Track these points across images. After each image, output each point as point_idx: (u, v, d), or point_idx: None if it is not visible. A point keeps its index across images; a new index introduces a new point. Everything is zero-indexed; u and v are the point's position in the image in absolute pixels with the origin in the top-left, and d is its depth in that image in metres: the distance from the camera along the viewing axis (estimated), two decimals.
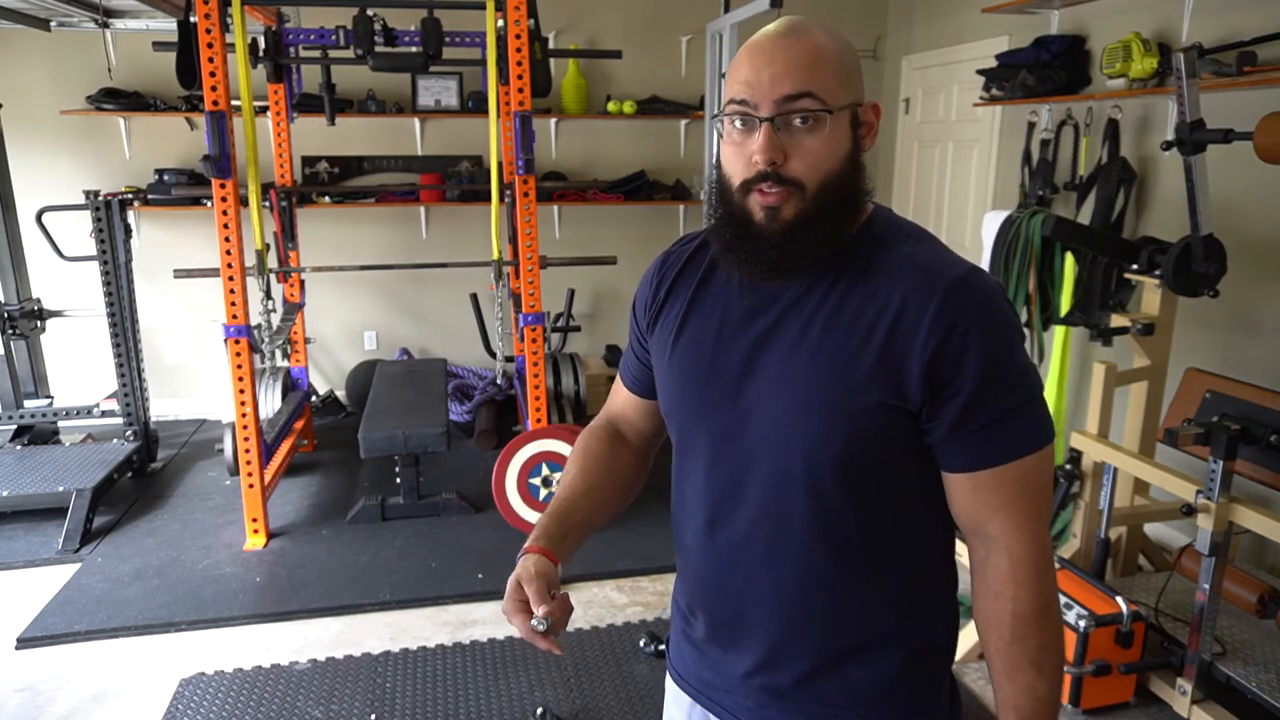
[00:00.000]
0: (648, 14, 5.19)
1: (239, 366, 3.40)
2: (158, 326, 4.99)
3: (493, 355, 4.80)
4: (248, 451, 3.45)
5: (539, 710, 2.52)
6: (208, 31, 3.15)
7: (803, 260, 0.97)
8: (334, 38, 3.69)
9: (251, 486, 3.47)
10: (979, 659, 2.69)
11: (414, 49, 3.62)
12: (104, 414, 4.23)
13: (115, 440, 4.17)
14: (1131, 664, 2.46)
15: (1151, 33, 3.43)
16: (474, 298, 4.99)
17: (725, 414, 1.03)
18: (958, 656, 2.57)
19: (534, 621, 0.96)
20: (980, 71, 4.17)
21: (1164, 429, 2.54)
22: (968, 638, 2.66)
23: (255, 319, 3.59)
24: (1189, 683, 2.36)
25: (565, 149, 5.29)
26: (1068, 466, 2.78)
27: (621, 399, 1.26)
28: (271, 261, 3.95)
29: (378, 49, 3.59)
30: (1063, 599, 2.54)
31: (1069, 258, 2.80)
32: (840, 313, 0.97)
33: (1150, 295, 2.79)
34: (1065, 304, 2.84)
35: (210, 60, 3.17)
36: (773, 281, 1.00)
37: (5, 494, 3.56)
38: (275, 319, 3.79)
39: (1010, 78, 3.90)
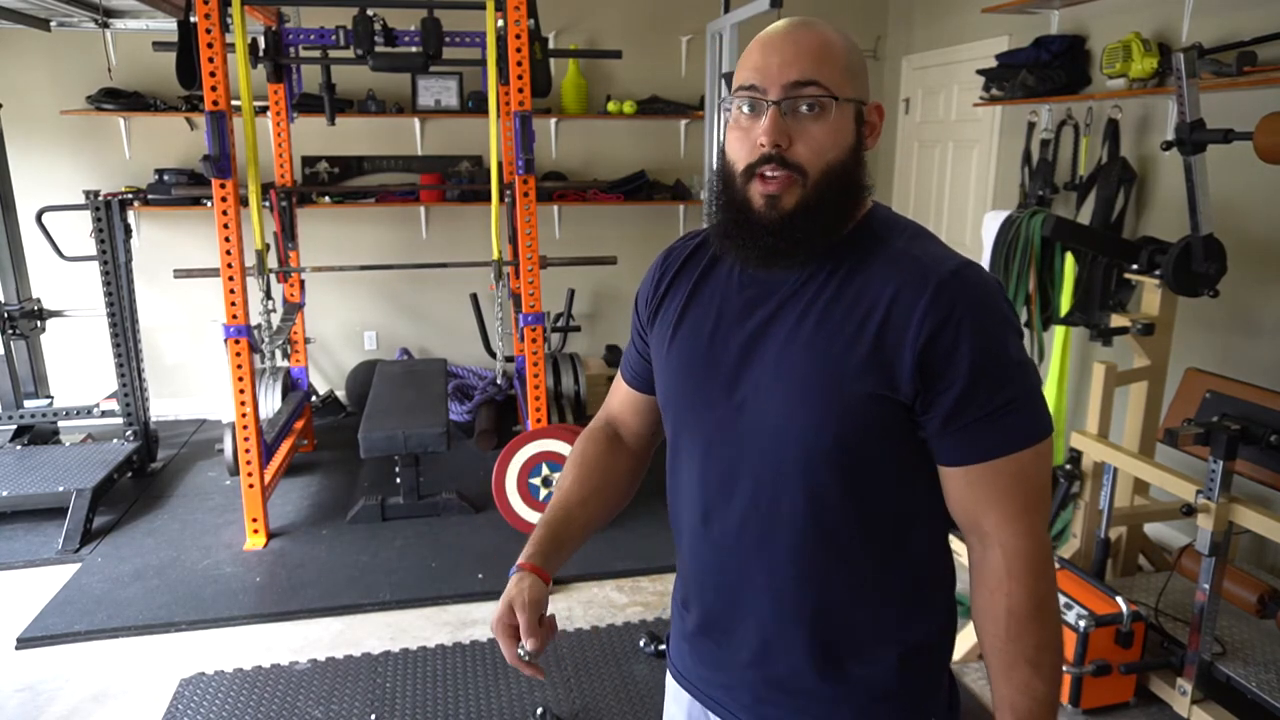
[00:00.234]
0: (648, 14, 5.19)
1: (239, 366, 3.40)
2: (158, 326, 4.99)
3: (493, 355, 4.80)
4: (248, 451, 3.45)
5: (539, 710, 2.52)
6: (208, 31, 3.15)
7: (800, 247, 0.98)
8: (334, 38, 3.69)
9: (251, 486, 3.47)
10: (979, 659, 2.69)
11: (414, 49, 3.62)
12: (104, 414, 4.24)
13: (115, 440, 4.17)
14: (1131, 664, 2.46)
15: (1151, 33, 3.43)
16: (474, 298, 4.99)
17: (721, 406, 1.04)
18: (957, 656, 2.58)
19: (520, 651, 1.02)
20: (980, 71, 4.17)
21: (1164, 429, 2.54)
22: (968, 638, 2.66)
23: (255, 319, 3.59)
24: (1189, 683, 2.36)
25: (565, 149, 5.29)
26: (1068, 466, 2.78)
27: (620, 396, 1.27)
28: (271, 261, 3.95)
29: (378, 49, 3.59)
30: (1063, 599, 2.54)
31: (1069, 258, 2.80)
32: (835, 305, 0.98)
33: (1150, 295, 2.79)
34: (1065, 304, 2.84)
35: (210, 60, 3.17)
36: (770, 268, 1.02)
37: (5, 494, 3.56)
38: (275, 319, 3.79)
39: (1010, 78, 3.90)
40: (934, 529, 1.05)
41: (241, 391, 3.42)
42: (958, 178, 4.86)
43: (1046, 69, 3.78)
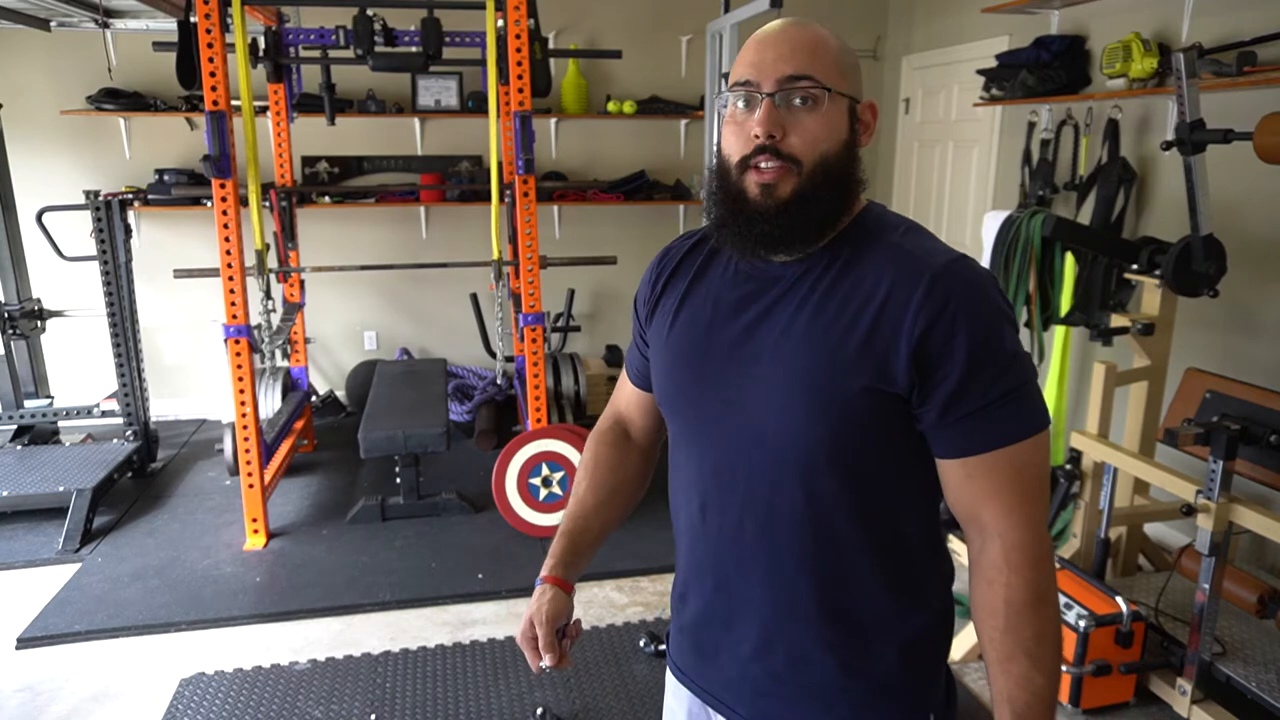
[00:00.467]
0: (648, 14, 5.19)
1: (239, 366, 3.40)
2: (158, 326, 4.99)
3: (493, 355, 4.80)
4: (248, 451, 3.45)
5: (539, 710, 2.52)
6: (208, 31, 3.15)
7: (796, 235, 0.99)
8: (334, 38, 3.69)
9: (251, 486, 3.47)
10: (979, 659, 2.69)
11: (414, 49, 3.62)
12: (104, 414, 4.24)
13: (115, 440, 4.17)
14: (1131, 664, 2.46)
15: (1151, 33, 3.43)
16: (474, 298, 4.99)
17: (716, 400, 1.05)
18: (957, 656, 2.58)
19: (542, 663, 1.12)
20: (980, 71, 4.17)
21: (1164, 429, 2.54)
22: (967, 639, 2.66)
23: (255, 319, 3.59)
24: (1189, 683, 2.36)
25: (565, 149, 5.29)
26: (1068, 466, 2.78)
27: (626, 394, 1.29)
28: (271, 261, 3.95)
29: (378, 49, 3.59)
30: (1062, 599, 2.54)
31: (1069, 258, 2.80)
32: (830, 299, 0.99)
33: (1150, 295, 2.79)
34: (1065, 304, 2.84)
35: (210, 60, 3.17)
36: (767, 257, 1.03)
37: (5, 494, 3.56)
38: (275, 319, 3.79)
39: (1010, 78, 3.90)
40: (931, 522, 1.06)
41: (241, 391, 3.42)
42: (958, 178, 4.86)
43: (1046, 69, 3.78)
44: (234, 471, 4.00)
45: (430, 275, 5.10)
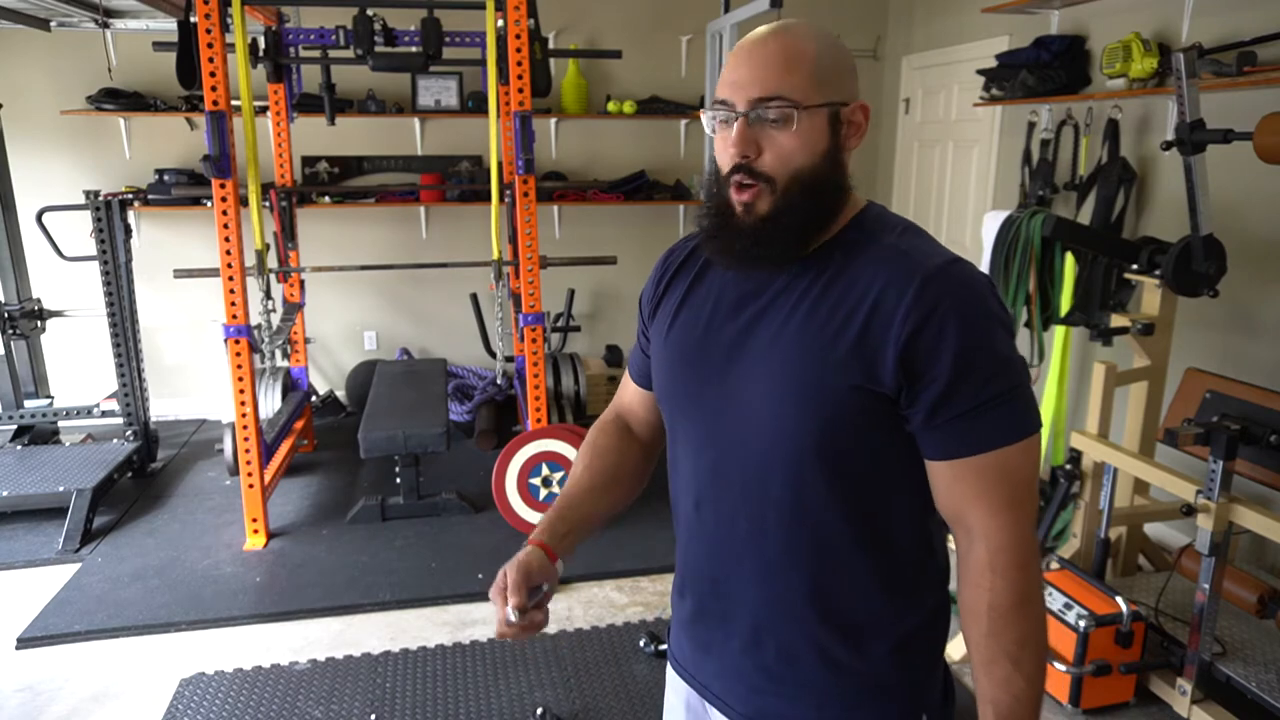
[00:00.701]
0: (648, 14, 5.19)
1: (239, 366, 3.40)
2: (158, 326, 4.99)
3: (493, 355, 4.80)
4: (248, 451, 3.45)
5: (539, 710, 2.52)
6: (208, 31, 3.15)
7: (773, 251, 1.01)
8: (334, 38, 3.69)
9: (251, 486, 3.47)
10: None
11: (414, 49, 3.62)
12: (104, 414, 4.24)
13: (115, 440, 4.17)
14: (1131, 664, 2.46)
15: (1151, 33, 3.43)
16: (474, 298, 4.99)
17: (712, 398, 1.06)
18: (957, 656, 2.57)
19: (507, 612, 1.04)
20: (980, 71, 4.17)
21: (1164, 429, 2.54)
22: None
23: (255, 319, 3.59)
24: (1189, 683, 2.36)
25: (565, 149, 5.29)
26: (1068, 466, 2.78)
27: (629, 392, 1.30)
28: (271, 261, 3.95)
29: (378, 49, 3.59)
30: (1062, 599, 2.54)
31: (1069, 258, 2.80)
32: (823, 300, 1.00)
33: (1150, 295, 2.79)
34: (1065, 304, 2.84)
35: (210, 60, 3.17)
36: (744, 271, 1.06)
37: (5, 494, 3.56)
38: (275, 319, 3.79)
39: (1010, 78, 3.90)
40: (924, 520, 1.06)
41: (241, 391, 3.42)
42: (958, 178, 4.86)
43: (1046, 69, 3.78)
44: (234, 471, 4.00)
45: (430, 275, 5.10)
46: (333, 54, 3.97)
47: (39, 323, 4.29)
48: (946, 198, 4.99)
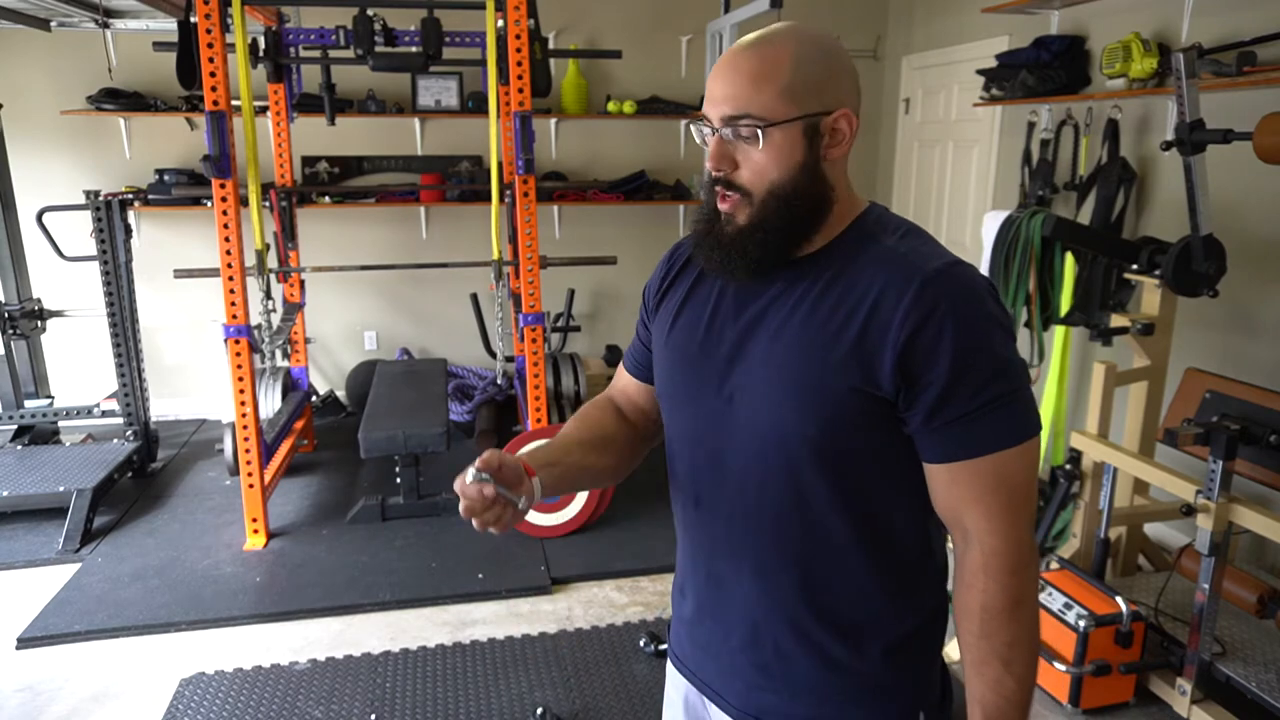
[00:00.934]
0: (648, 14, 5.19)
1: (239, 366, 3.40)
2: (158, 326, 4.99)
3: (493, 355, 4.80)
4: (248, 451, 3.45)
5: (539, 710, 2.52)
6: (208, 31, 3.15)
7: (749, 262, 1.02)
8: (334, 38, 3.69)
9: (251, 486, 3.47)
10: None
11: (414, 49, 3.62)
12: (104, 414, 4.24)
13: (115, 440, 4.17)
14: (1131, 664, 2.46)
15: (1151, 33, 3.43)
16: (474, 298, 4.99)
17: (712, 397, 1.07)
18: (956, 657, 2.58)
19: (471, 471, 0.99)
20: (980, 71, 4.17)
21: (1164, 429, 2.54)
22: None
23: (255, 319, 3.59)
24: (1189, 683, 2.36)
25: (565, 149, 5.29)
26: (1068, 466, 2.78)
27: (624, 381, 1.30)
28: (271, 261, 3.95)
29: (378, 49, 3.59)
30: (1062, 599, 2.54)
31: (1069, 258, 2.80)
32: (823, 301, 1.00)
33: (1150, 295, 2.79)
34: (1065, 304, 2.84)
35: (210, 60, 3.17)
36: (725, 278, 1.07)
37: (5, 494, 3.56)
38: (275, 319, 3.79)
39: (1010, 78, 3.90)
40: (923, 521, 1.06)
41: (241, 391, 3.41)
42: (958, 178, 4.86)
43: (1046, 69, 3.78)
44: (234, 471, 4.00)
45: (430, 275, 5.10)
46: (333, 54, 3.97)
47: (39, 323, 4.29)
48: (946, 198, 4.99)
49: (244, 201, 3.46)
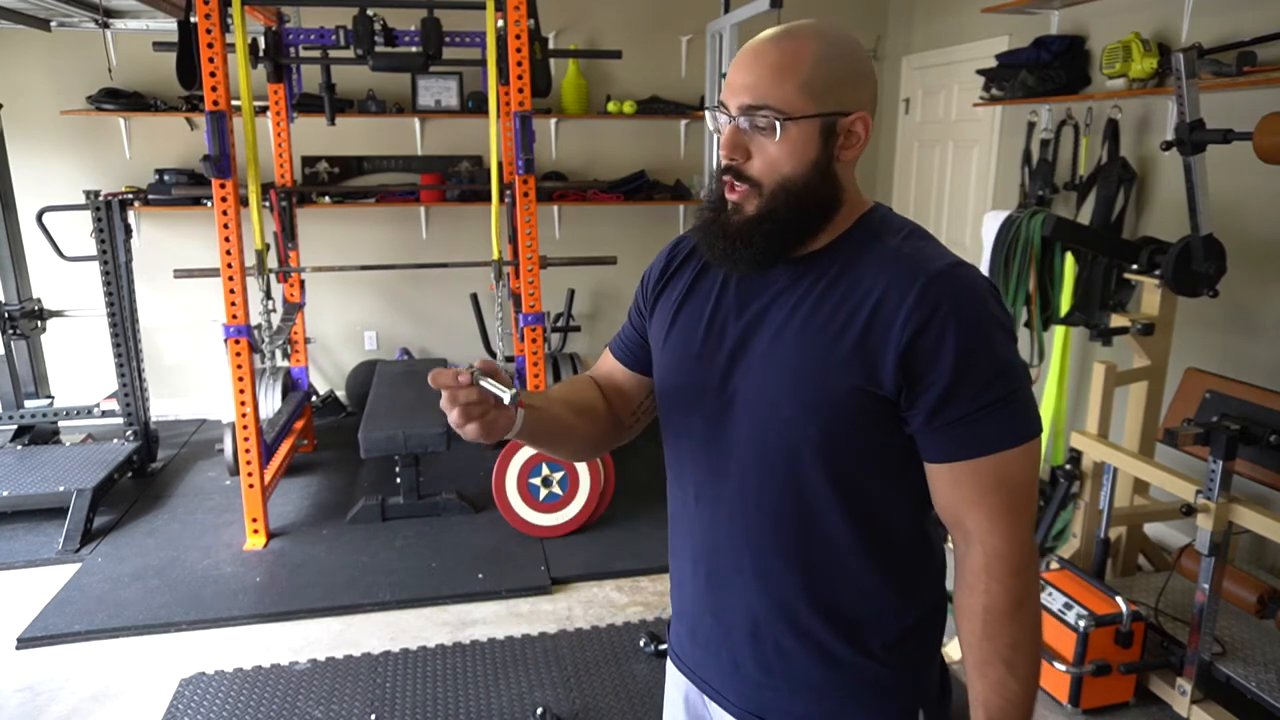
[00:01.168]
0: (648, 14, 5.19)
1: (239, 366, 3.40)
2: (158, 326, 4.99)
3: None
4: (248, 451, 3.45)
5: (539, 710, 2.52)
6: (208, 31, 3.15)
7: (752, 254, 1.01)
8: (334, 38, 3.69)
9: (251, 486, 3.47)
10: None
11: (414, 49, 3.62)
12: (104, 414, 4.24)
13: (115, 440, 4.17)
14: (1131, 664, 2.46)
15: (1151, 33, 3.43)
16: (474, 298, 4.99)
17: (713, 395, 1.07)
18: (957, 657, 2.58)
19: (466, 365, 0.95)
20: (980, 71, 4.17)
21: (1164, 429, 2.54)
22: None
23: (255, 319, 3.59)
24: (1189, 683, 2.36)
25: (565, 149, 5.29)
26: (1068, 466, 2.78)
27: (606, 368, 1.26)
28: (271, 261, 3.95)
29: (378, 49, 3.59)
30: (1062, 599, 2.54)
31: (1069, 258, 2.80)
32: (826, 300, 1.00)
33: (1150, 295, 2.79)
34: (1065, 304, 2.84)
35: (210, 60, 3.17)
36: (726, 268, 1.07)
37: (5, 494, 3.56)
38: (275, 319, 3.79)
39: (1010, 78, 3.90)
40: (921, 520, 1.07)
41: (241, 391, 3.41)
42: (958, 178, 4.86)
43: (1046, 69, 3.78)
44: (234, 471, 4.00)
45: (430, 275, 5.10)
46: (333, 54, 3.97)
47: (39, 323, 4.29)
48: (946, 198, 4.99)
49: (244, 201, 3.46)
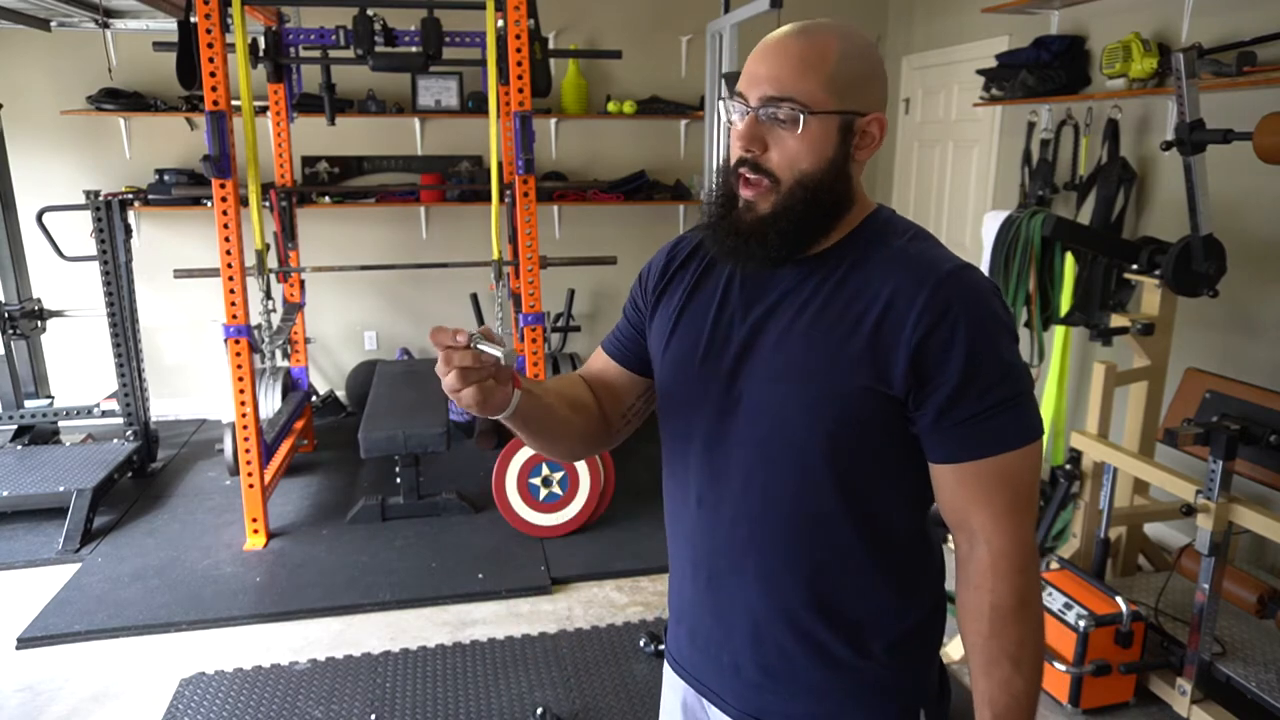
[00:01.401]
0: (648, 14, 5.19)
1: (239, 366, 3.40)
2: (158, 326, 4.99)
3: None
4: (248, 451, 3.45)
5: (539, 710, 2.52)
6: (208, 31, 3.15)
7: (764, 251, 1.01)
8: (334, 38, 3.69)
9: (251, 486, 3.47)
10: None
11: (414, 49, 3.62)
12: (104, 414, 4.24)
13: (115, 440, 4.17)
14: (1131, 664, 2.46)
15: (1151, 33, 3.43)
16: (474, 298, 5.00)
17: (719, 397, 1.06)
18: (956, 655, 2.57)
19: (469, 334, 0.92)
20: (980, 71, 4.17)
21: (1164, 429, 2.54)
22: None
23: (255, 319, 3.59)
24: (1189, 683, 2.36)
25: (565, 149, 5.29)
26: (1068, 466, 2.78)
27: (598, 366, 1.24)
28: (271, 261, 3.95)
29: (378, 49, 3.59)
30: (1062, 599, 2.54)
31: (1069, 258, 2.80)
32: (833, 301, 1.00)
33: (1150, 295, 2.79)
34: (1065, 304, 2.84)
35: (210, 60, 3.17)
36: (734, 265, 1.06)
37: (5, 494, 3.56)
38: (275, 319, 3.79)
39: (1010, 78, 3.90)
40: (920, 520, 1.07)
41: (241, 391, 3.41)
42: (958, 178, 4.86)
43: (1046, 69, 3.78)
44: (234, 471, 4.00)
45: (430, 275, 5.10)
46: (333, 54, 3.97)
47: (39, 323, 4.29)
48: (946, 198, 4.99)
49: (244, 201, 3.46)
